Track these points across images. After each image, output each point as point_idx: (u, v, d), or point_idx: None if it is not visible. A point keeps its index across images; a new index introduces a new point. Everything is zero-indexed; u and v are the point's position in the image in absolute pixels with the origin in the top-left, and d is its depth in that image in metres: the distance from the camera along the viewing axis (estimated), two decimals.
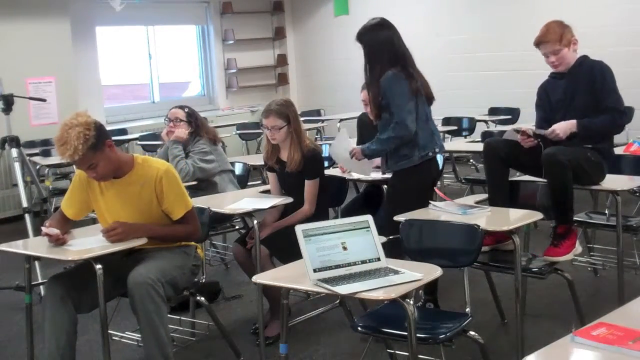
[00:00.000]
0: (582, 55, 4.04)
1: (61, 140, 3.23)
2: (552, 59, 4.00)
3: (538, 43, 4.02)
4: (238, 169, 5.38)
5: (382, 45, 3.97)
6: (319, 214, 4.12)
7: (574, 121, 3.87)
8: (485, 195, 4.08)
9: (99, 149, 3.29)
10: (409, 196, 3.89)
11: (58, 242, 3.32)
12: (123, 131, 8.14)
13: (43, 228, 3.34)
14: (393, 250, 3.27)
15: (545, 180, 3.89)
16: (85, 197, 3.54)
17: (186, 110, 5.11)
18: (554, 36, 3.95)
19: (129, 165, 3.46)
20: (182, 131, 5.00)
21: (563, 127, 3.86)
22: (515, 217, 3.55)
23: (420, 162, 3.95)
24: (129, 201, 3.43)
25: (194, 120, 5.07)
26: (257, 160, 5.39)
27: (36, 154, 6.88)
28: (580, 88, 3.95)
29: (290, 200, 4.16)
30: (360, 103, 4.84)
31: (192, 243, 3.66)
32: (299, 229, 2.78)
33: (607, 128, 3.96)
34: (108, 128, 4.09)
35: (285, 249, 3.77)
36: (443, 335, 2.92)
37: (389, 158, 4.08)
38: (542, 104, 4.15)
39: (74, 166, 6.54)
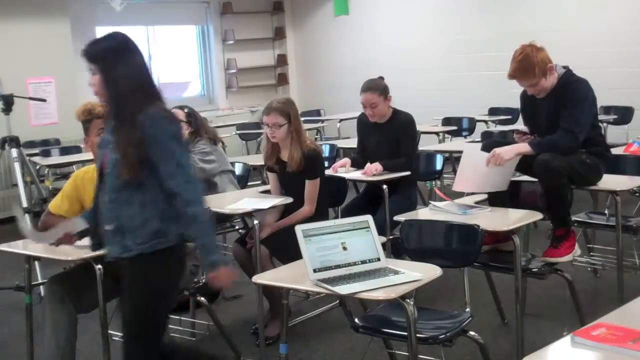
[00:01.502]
0: (565, 73, 3.87)
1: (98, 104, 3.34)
2: (530, 90, 3.88)
3: (511, 78, 3.83)
4: (238, 169, 5.38)
5: (135, 70, 2.81)
6: (319, 214, 4.12)
7: (524, 144, 3.76)
8: (485, 195, 4.07)
9: None
10: (160, 292, 2.75)
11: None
12: None
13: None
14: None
15: None
16: (80, 198, 3.53)
17: (186, 110, 5.10)
18: (526, 74, 3.75)
19: None
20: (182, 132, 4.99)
21: (507, 150, 3.72)
22: (515, 217, 3.55)
23: (177, 242, 2.73)
24: None
25: (194, 120, 5.06)
26: (257, 160, 5.39)
27: (36, 154, 6.89)
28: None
29: (290, 200, 4.16)
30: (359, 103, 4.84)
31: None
32: (299, 229, 2.78)
33: (557, 148, 3.75)
34: None
35: (285, 249, 3.78)
36: (443, 335, 2.92)
37: (120, 236, 2.68)
38: (526, 112, 4.09)
39: (74, 166, 6.62)
